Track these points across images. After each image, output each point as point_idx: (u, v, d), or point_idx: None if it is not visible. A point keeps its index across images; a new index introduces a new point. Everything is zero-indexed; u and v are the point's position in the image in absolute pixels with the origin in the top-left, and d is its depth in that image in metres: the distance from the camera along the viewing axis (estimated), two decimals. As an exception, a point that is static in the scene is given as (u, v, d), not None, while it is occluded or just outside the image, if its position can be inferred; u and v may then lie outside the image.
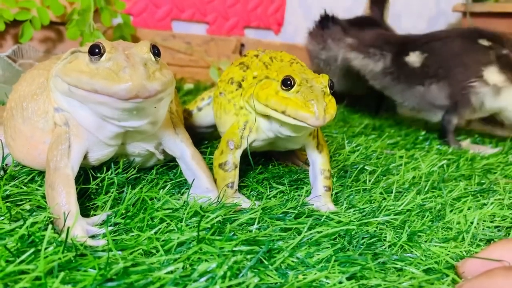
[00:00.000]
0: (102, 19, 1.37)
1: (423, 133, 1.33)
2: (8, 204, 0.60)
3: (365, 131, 1.28)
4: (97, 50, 0.55)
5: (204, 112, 0.91)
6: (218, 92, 0.81)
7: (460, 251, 0.63)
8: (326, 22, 1.49)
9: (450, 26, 2.04)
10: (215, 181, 0.71)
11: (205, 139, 1.00)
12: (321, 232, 0.61)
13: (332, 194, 0.76)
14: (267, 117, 0.70)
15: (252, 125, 0.72)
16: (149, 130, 0.64)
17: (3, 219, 0.56)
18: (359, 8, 1.94)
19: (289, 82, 0.64)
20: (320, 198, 0.73)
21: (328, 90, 0.66)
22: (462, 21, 1.86)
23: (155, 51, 0.58)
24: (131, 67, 0.53)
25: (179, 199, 0.68)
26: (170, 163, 0.78)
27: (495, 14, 1.71)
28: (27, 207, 0.61)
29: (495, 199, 0.81)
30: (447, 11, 1.72)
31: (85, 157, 0.63)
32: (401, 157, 1.01)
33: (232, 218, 0.63)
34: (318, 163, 0.76)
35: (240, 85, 0.76)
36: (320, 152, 0.76)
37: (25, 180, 0.68)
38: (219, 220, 0.61)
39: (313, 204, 0.72)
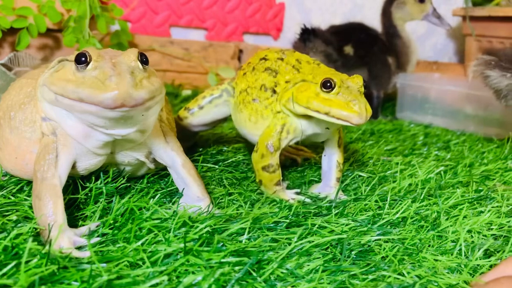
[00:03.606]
0: (98, 26, 1.37)
1: (421, 138, 1.32)
2: (-6, 214, 0.60)
3: (363, 137, 1.27)
4: (83, 59, 0.54)
5: (206, 110, 0.92)
6: (250, 98, 0.82)
7: (454, 261, 0.62)
8: (307, 35, 1.48)
9: (450, 31, 2.03)
10: (260, 181, 0.77)
11: (199, 146, 1.00)
12: (313, 242, 0.60)
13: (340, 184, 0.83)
14: (308, 117, 0.74)
15: (290, 127, 0.76)
16: (138, 138, 0.63)
17: (-12, 230, 0.56)
18: (359, 13, 1.94)
19: (329, 84, 0.69)
20: (330, 185, 0.81)
21: (362, 89, 0.70)
22: (462, 25, 1.86)
23: (143, 59, 0.57)
24: (118, 76, 0.52)
25: (169, 209, 0.67)
26: (161, 172, 0.78)
27: (495, 18, 1.69)
28: (14, 217, 0.60)
29: (492, 207, 0.79)
30: (446, 15, 1.71)
31: (74, 166, 0.62)
32: (397, 163, 0.99)
33: (222, 228, 0.62)
34: (336, 157, 0.82)
35: (274, 91, 0.79)
36: (339, 147, 0.82)
37: (14, 190, 0.68)
38: (208, 231, 0.60)
39: (320, 193, 0.80)
